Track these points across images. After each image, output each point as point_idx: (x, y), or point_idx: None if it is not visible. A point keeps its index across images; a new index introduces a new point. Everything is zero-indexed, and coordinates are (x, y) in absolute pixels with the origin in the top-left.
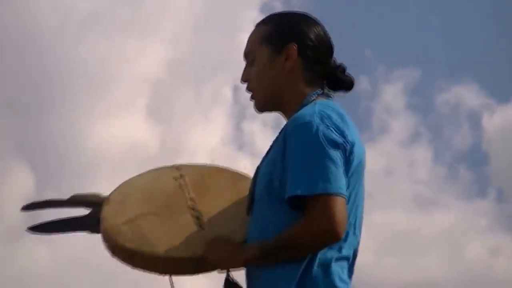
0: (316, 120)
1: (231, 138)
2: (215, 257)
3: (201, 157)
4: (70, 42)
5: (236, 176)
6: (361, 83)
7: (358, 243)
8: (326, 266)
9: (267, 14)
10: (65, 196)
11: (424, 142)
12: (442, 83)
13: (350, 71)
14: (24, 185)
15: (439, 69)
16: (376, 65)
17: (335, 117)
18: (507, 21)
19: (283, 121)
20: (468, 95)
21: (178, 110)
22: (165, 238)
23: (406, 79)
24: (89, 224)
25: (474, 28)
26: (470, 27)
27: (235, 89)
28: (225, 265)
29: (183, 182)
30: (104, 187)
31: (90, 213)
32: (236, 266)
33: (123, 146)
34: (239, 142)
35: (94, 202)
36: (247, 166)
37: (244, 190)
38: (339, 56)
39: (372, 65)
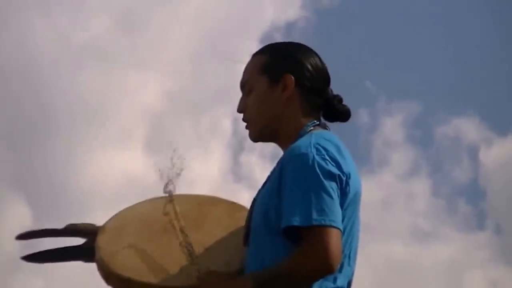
0: (312, 151)
1: (229, 170)
2: None
3: (200, 189)
4: (67, 73)
5: (233, 206)
6: (361, 116)
7: (352, 273)
8: None
9: None
10: (61, 227)
11: (423, 175)
12: (442, 115)
13: (350, 102)
14: (20, 218)
15: (439, 101)
16: (376, 96)
17: (331, 148)
18: (507, 54)
19: (281, 153)
20: (468, 128)
21: (177, 142)
22: (159, 267)
23: (406, 111)
24: (84, 253)
25: (475, 60)
26: (471, 59)
27: (234, 120)
28: None
29: (174, 212)
30: (101, 219)
31: (85, 242)
32: None
33: (121, 178)
34: (238, 174)
35: (89, 231)
36: (245, 198)
37: (241, 221)
38: (339, 87)
39: (372, 97)
